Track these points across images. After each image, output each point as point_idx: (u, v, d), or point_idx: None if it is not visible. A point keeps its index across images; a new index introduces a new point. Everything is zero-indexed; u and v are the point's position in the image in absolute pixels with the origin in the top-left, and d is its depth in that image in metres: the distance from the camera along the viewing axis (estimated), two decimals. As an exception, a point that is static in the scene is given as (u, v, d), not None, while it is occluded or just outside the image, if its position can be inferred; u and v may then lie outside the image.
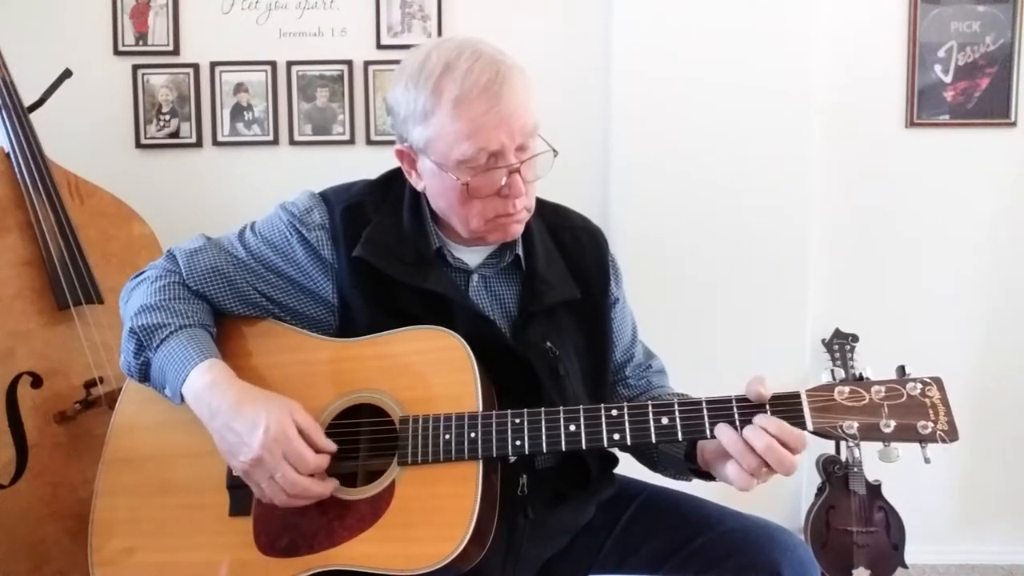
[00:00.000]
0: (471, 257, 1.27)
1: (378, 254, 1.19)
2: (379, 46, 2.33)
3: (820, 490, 2.30)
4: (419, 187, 1.23)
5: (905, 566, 2.24)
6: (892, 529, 2.23)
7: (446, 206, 1.20)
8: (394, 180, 1.28)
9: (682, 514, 1.28)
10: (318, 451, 1.09)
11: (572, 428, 1.08)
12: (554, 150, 1.18)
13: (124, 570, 1.16)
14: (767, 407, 1.04)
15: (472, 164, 1.13)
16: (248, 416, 1.07)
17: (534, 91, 1.16)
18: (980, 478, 2.44)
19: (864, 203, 2.39)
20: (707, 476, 1.16)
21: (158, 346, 1.15)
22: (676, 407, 1.07)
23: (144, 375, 1.19)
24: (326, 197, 1.26)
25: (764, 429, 1.02)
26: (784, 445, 1.01)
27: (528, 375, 1.17)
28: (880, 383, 1.04)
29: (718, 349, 2.25)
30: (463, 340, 1.13)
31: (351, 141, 2.35)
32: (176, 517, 1.16)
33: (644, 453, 1.31)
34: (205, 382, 1.11)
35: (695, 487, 1.26)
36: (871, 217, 2.40)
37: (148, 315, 1.17)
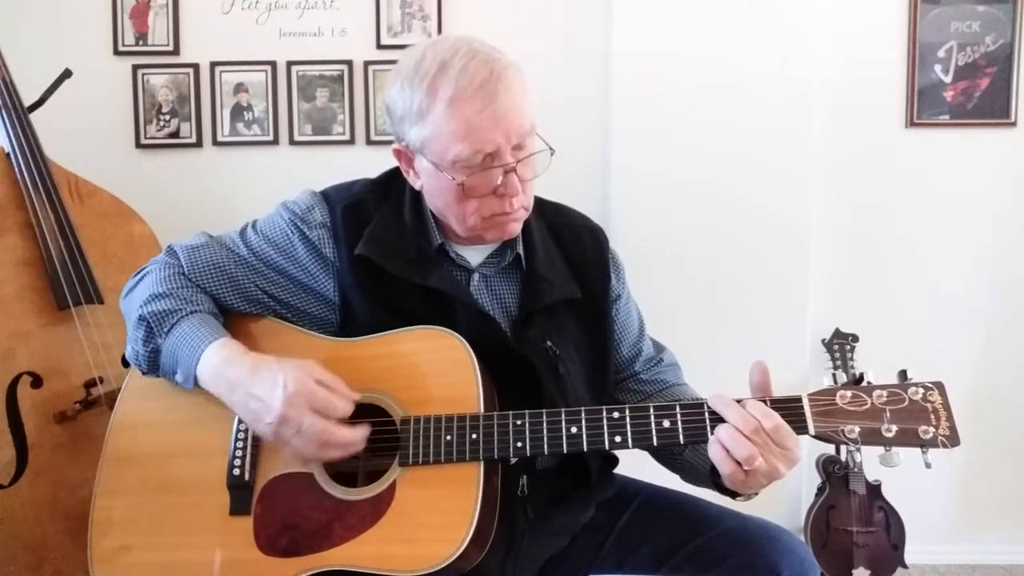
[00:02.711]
0: (472, 256, 1.27)
1: (380, 251, 1.19)
2: (379, 46, 2.33)
3: (820, 490, 2.30)
4: (417, 186, 1.23)
5: (905, 566, 2.24)
6: (892, 529, 2.24)
7: (443, 205, 1.20)
8: (395, 178, 1.28)
9: (681, 514, 1.28)
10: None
11: (573, 430, 1.08)
12: (551, 148, 1.18)
13: (124, 569, 1.16)
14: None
15: (468, 164, 1.13)
16: (266, 378, 1.07)
17: (530, 89, 1.16)
18: (980, 478, 2.44)
19: (864, 203, 2.39)
20: (732, 494, 1.12)
21: (169, 331, 1.15)
22: (678, 409, 1.07)
23: (153, 363, 1.18)
24: (327, 195, 1.27)
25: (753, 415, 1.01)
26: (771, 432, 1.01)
27: (528, 374, 1.17)
28: (882, 387, 1.03)
29: (718, 349, 2.24)
30: (464, 340, 1.13)
31: (351, 141, 2.35)
32: (176, 516, 1.16)
33: (667, 459, 1.29)
34: (221, 358, 1.11)
35: (695, 487, 1.26)
36: (871, 217, 2.40)
37: (159, 302, 1.17)
